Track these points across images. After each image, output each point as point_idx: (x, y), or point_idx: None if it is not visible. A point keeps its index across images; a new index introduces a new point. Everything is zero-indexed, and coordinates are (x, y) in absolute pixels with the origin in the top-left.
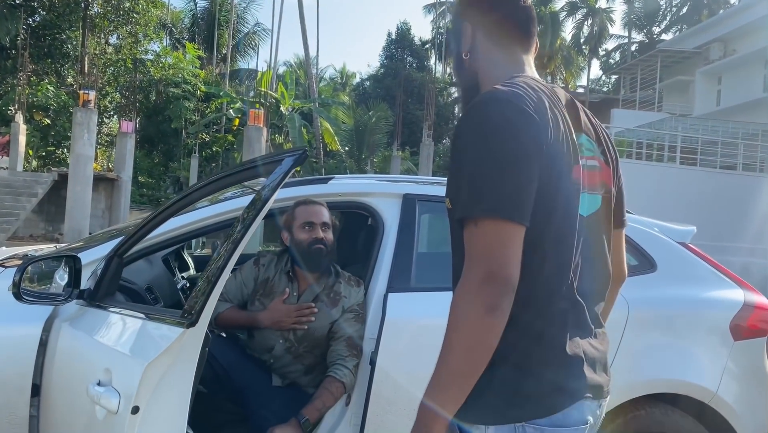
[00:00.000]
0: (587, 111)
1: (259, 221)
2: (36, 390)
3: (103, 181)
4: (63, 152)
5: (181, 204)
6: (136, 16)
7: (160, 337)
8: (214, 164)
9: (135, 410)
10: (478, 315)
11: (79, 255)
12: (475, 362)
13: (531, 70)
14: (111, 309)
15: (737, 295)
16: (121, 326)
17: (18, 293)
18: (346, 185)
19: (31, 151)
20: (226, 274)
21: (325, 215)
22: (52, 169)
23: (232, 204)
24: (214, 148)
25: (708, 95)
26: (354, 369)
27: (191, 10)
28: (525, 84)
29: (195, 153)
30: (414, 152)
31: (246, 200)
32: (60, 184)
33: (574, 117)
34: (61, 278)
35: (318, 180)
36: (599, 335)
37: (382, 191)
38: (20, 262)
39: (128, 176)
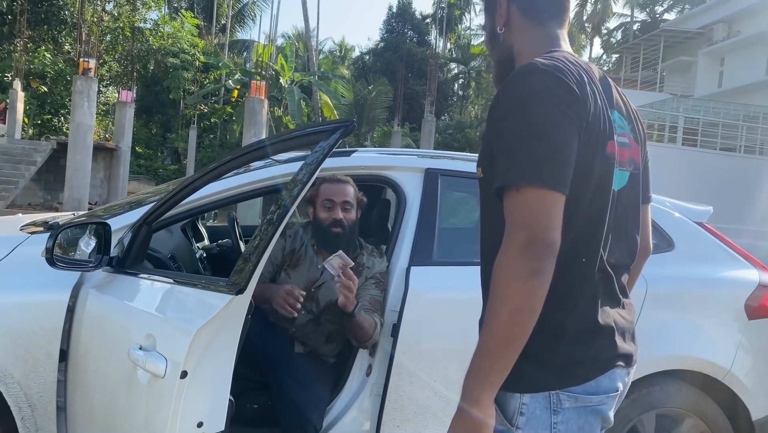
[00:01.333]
0: (618, 88)
1: (305, 191)
2: (63, 355)
3: (101, 151)
4: (60, 120)
5: (214, 173)
6: None
7: (205, 304)
8: (212, 135)
9: (183, 374)
10: (522, 279)
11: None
12: (520, 326)
13: (566, 44)
14: (144, 276)
15: (752, 275)
16: (159, 293)
17: (51, 258)
18: (368, 159)
19: (26, 120)
20: (273, 242)
21: (349, 194)
22: (51, 137)
23: (258, 174)
24: (212, 120)
25: (710, 76)
26: (381, 325)
27: None
28: (564, 58)
29: (193, 124)
30: (413, 128)
31: (271, 171)
32: (59, 153)
33: (608, 94)
34: (86, 245)
35: (341, 153)
36: (626, 305)
37: (404, 165)
38: (40, 229)
39: (127, 146)
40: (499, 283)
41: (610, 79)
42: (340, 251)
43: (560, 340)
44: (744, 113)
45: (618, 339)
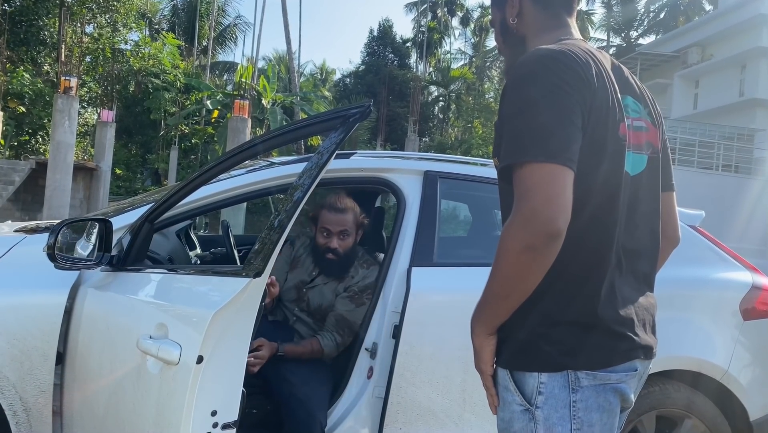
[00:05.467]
0: (632, 74)
1: (322, 172)
2: (59, 358)
3: (81, 171)
4: (38, 141)
5: (216, 170)
6: (116, 4)
7: (222, 289)
8: (193, 156)
9: (199, 359)
10: (515, 252)
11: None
12: (510, 289)
13: (576, 32)
14: (150, 270)
15: (745, 277)
16: (169, 284)
17: (53, 254)
18: (367, 161)
19: (2, 141)
20: (289, 227)
21: (346, 223)
22: (30, 157)
23: (263, 174)
24: (193, 141)
25: (686, 98)
26: (338, 344)
27: (171, 1)
28: (571, 44)
29: (174, 145)
30: (395, 149)
31: (274, 171)
32: (37, 173)
33: (621, 79)
34: (83, 248)
35: (339, 155)
36: (648, 296)
37: (403, 168)
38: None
39: (108, 166)
40: (499, 249)
41: (623, 67)
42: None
43: (580, 325)
44: (719, 133)
45: (639, 330)
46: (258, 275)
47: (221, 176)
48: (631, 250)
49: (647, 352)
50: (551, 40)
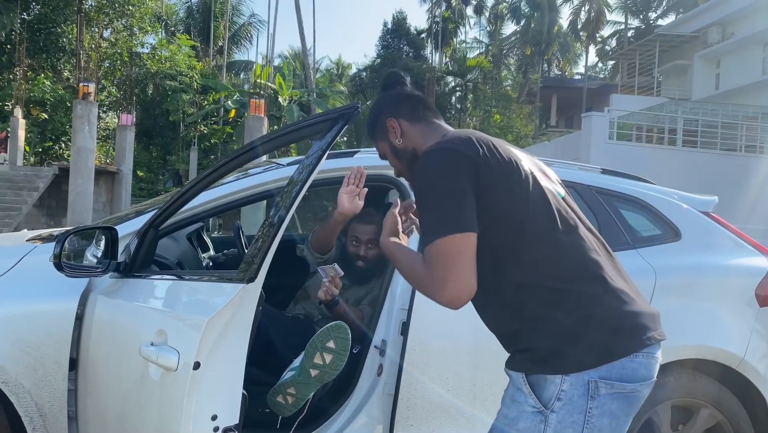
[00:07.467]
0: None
1: (311, 179)
2: (72, 364)
3: (103, 175)
4: (61, 147)
5: (217, 174)
6: (131, 8)
7: (216, 295)
8: (213, 156)
9: (196, 365)
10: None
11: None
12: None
13: (446, 126)
14: (152, 277)
15: (761, 262)
16: (169, 291)
17: (59, 263)
18: (371, 159)
19: (27, 148)
20: (281, 232)
21: (374, 233)
22: (53, 163)
23: (265, 177)
24: (212, 141)
25: (707, 79)
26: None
27: (186, 2)
28: (453, 135)
29: (194, 145)
30: None
31: (277, 173)
32: (60, 179)
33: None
34: (93, 254)
35: (344, 154)
36: (639, 291)
37: None
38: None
39: (129, 169)
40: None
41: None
42: (335, 264)
43: (592, 323)
44: (743, 113)
45: (647, 320)
46: (251, 280)
47: (228, 179)
48: (601, 253)
49: (660, 337)
50: (434, 140)
